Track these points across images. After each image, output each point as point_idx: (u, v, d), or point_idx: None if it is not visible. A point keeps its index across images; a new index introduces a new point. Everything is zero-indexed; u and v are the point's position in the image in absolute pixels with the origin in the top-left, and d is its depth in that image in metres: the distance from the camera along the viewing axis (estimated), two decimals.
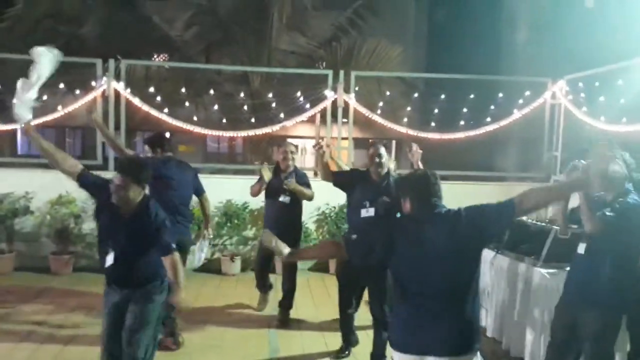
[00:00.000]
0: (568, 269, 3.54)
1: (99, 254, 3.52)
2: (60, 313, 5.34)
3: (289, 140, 5.74)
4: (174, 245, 3.27)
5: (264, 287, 5.70)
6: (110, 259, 3.26)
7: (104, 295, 3.39)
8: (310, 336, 5.04)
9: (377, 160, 4.15)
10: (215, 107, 9.03)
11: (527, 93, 7.89)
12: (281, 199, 5.20)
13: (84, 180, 3.36)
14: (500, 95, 8.05)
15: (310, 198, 5.30)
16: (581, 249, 3.35)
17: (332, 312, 5.15)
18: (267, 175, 5.23)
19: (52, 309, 5.47)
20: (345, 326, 4.56)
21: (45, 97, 8.68)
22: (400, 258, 2.50)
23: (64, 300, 5.75)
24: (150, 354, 3.39)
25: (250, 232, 7.35)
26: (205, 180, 5.13)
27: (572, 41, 8.95)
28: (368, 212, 4.11)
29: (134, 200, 3.23)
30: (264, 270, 5.63)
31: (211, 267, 7.14)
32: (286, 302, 5.45)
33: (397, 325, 2.60)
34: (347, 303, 4.47)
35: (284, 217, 5.19)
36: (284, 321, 5.35)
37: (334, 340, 4.74)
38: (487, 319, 4.85)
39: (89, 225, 7.01)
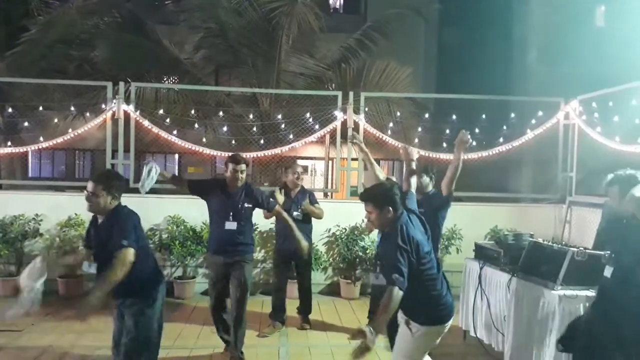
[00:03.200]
0: (591, 292, 3.41)
1: None
2: (69, 336, 5.29)
3: (299, 161, 5.84)
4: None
5: (276, 315, 5.70)
6: None
7: None
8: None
9: None
10: (225, 128, 9.04)
11: (540, 113, 7.80)
12: (294, 215, 5.39)
13: None
14: (513, 115, 7.97)
15: (320, 216, 5.66)
16: (608, 272, 3.23)
17: (342, 336, 5.01)
18: (281, 198, 5.47)
19: (60, 331, 5.42)
20: None
21: (56, 120, 8.81)
22: (429, 254, 3.19)
23: (72, 323, 5.63)
24: None
25: (259, 255, 7.25)
26: None
27: (584, 61, 8.88)
28: None
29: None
30: (279, 297, 5.73)
31: None
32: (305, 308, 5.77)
33: (443, 302, 3.21)
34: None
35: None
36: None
37: None
38: (504, 344, 4.69)
39: None
